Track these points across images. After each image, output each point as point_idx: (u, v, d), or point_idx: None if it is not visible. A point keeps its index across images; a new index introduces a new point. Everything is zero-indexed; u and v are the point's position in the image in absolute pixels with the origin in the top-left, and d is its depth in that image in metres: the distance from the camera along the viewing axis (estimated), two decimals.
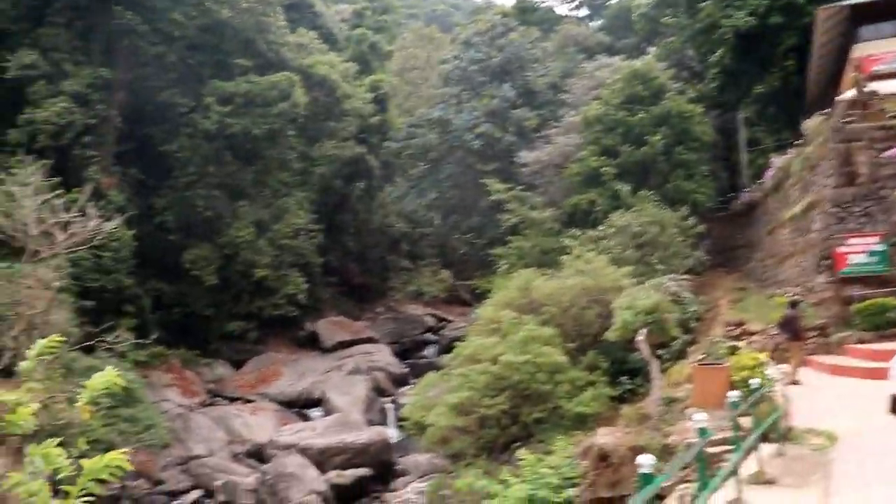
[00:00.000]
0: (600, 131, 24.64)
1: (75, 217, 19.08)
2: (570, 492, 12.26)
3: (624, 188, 22.61)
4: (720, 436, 8.32)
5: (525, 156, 28.01)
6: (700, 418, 6.83)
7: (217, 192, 32.03)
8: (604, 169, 23.70)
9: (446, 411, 17.42)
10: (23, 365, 4.24)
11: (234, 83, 31.59)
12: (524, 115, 32.21)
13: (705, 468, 6.58)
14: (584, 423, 15.86)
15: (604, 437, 12.56)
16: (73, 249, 22.45)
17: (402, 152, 38.16)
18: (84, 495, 2.93)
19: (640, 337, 15.25)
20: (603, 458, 11.94)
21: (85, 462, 4.03)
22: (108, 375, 4.41)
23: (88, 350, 21.65)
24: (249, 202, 33.56)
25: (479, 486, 13.86)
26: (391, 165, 42.89)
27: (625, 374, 17.68)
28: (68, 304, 23.08)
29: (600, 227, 21.76)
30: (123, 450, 4.22)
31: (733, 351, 15.04)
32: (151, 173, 32.23)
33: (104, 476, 3.83)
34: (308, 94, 34.43)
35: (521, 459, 13.49)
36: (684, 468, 7.49)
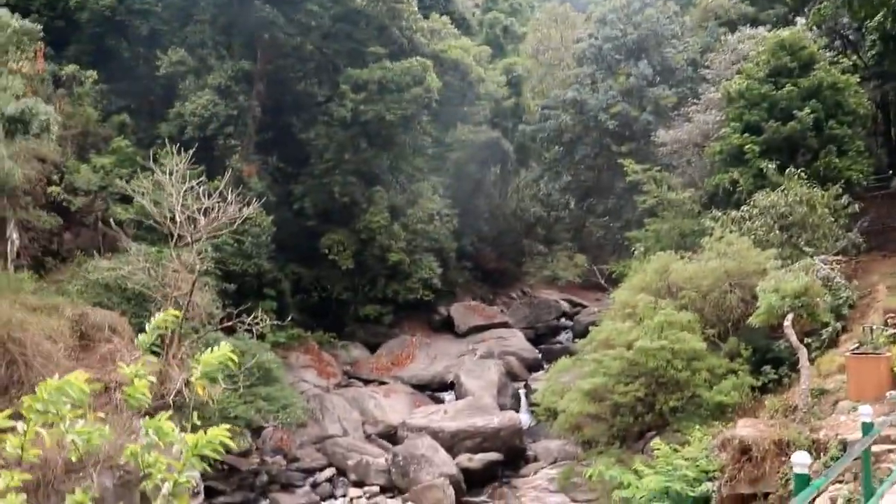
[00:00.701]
0: (743, 107, 23.20)
1: (217, 203, 19.75)
2: (707, 486, 11.56)
3: (769, 166, 21.19)
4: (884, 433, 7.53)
5: (662, 135, 26.86)
6: (866, 411, 6.13)
7: (353, 179, 32.60)
8: (747, 146, 22.30)
9: (579, 397, 16.97)
10: (140, 338, 4.20)
11: (367, 70, 31.99)
12: (661, 94, 30.97)
13: (870, 470, 5.87)
14: (723, 413, 15.03)
15: (745, 428, 11.77)
16: (216, 235, 23.42)
17: (536, 135, 37.60)
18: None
19: (787, 323, 14.24)
20: (744, 451, 11.19)
21: (189, 437, 3.94)
22: (223, 351, 4.33)
23: (230, 331, 22.51)
24: (384, 188, 34.00)
25: (610, 475, 13.36)
26: (526, 149, 42.41)
27: (768, 362, 16.59)
28: (211, 286, 24.12)
29: (743, 208, 20.50)
30: (225, 427, 4.12)
31: (894, 340, 13.82)
32: (290, 161, 33.21)
33: (208, 452, 3.75)
34: (441, 78, 34.43)
35: (655, 449, 12.87)
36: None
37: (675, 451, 12.64)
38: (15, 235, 25.36)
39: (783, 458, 10.62)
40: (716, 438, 12.41)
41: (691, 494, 11.40)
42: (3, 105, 19.35)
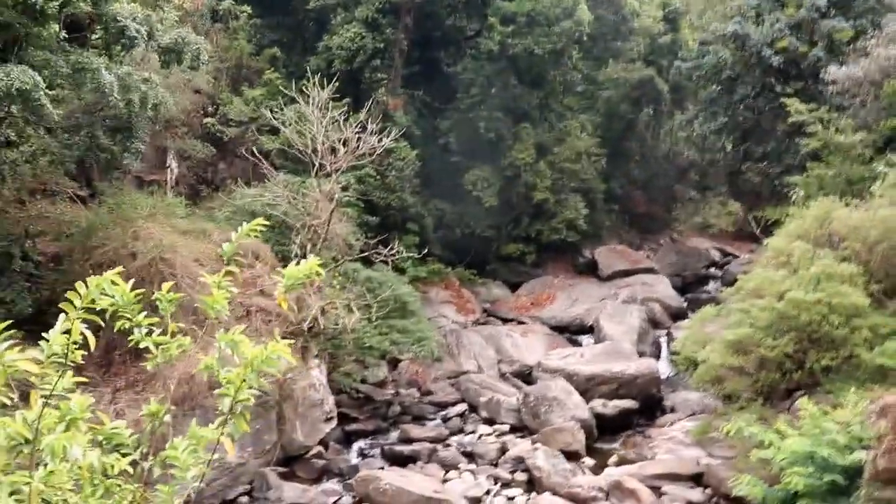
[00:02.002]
0: None
1: (357, 134, 19.78)
2: (860, 455, 10.46)
3: None
4: None
5: (834, 72, 24.43)
6: None
7: (499, 114, 31.99)
8: None
9: (721, 348, 15.98)
10: (225, 247, 3.96)
11: (517, 2, 30.99)
12: (836, 26, 28.13)
13: None
14: (885, 377, 13.66)
15: None
16: (357, 166, 23.60)
17: (692, 73, 35.45)
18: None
19: None
20: None
21: (248, 351, 3.68)
22: (311, 265, 4.03)
23: (369, 262, 22.77)
24: (532, 125, 33.18)
25: (750, 432, 12.46)
26: (681, 89, 40.15)
27: None
28: (353, 218, 24.44)
29: None
30: (286, 342, 3.83)
31: None
32: (437, 96, 32.94)
33: (267, 367, 3.51)
34: (593, 12, 32.95)
35: (802, 409, 11.84)
36: None
37: (825, 413, 11.57)
38: (174, 164, 26.60)
39: None
40: (874, 404, 11.23)
41: (840, 463, 10.38)
42: (160, 36, 20.02)
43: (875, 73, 23.89)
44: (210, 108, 28.23)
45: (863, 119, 24.50)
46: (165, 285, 3.97)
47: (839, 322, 14.66)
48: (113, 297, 3.41)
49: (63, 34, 16.62)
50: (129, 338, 3.68)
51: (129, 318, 3.62)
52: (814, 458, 10.60)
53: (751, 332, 15.51)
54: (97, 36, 18.85)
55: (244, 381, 3.81)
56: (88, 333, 3.25)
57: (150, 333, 3.76)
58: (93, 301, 3.29)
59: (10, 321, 3.13)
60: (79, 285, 3.12)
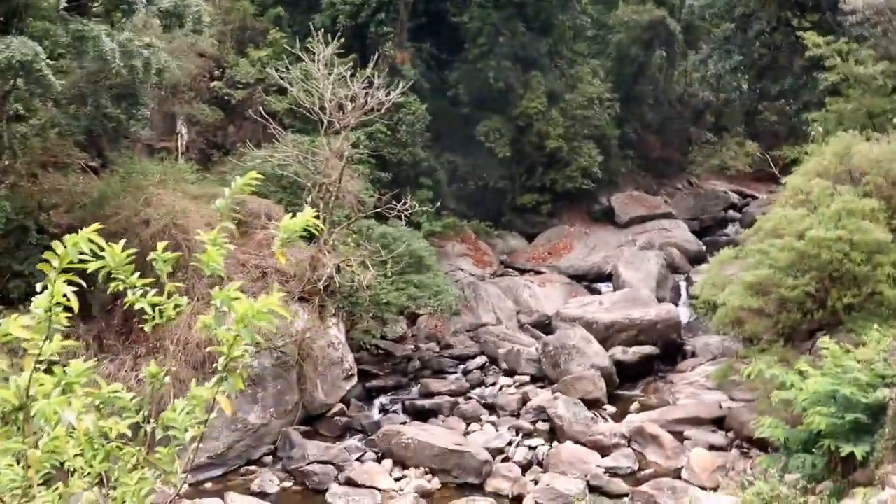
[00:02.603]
0: None
1: (364, 89, 19.49)
2: (884, 393, 10.27)
3: None
4: None
5: (853, 1, 23.79)
6: None
7: (508, 63, 31.46)
8: None
9: (740, 290, 15.77)
10: (218, 203, 3.82)
11: None
12: None
13: None
14: None
15: None
16: (367, 122, 23.35)
17: (705, 12, 34.66)
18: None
19: None
20: None
21: (238, 304, 3.57)
22: (306, 216, 3.88)
23: (383, 219, 22.65)
24: (542, 73, 32.63)
25: (771, 374, 12.32)
26: (694, 29, 39.31)
27: None
28: (365, 175, 24.26)
29: None
30: (280, 296, 3.70)
31: None
32: (444, 47, 32.41)
33: (261, 321, 3.41)
34: None
35: (823, 349, 11.66)
36: None
37: (848, 352, 11.38)
38: (184, 129, 26.48)
39: None
40: None
41: (863, 401, 10.21)
42: (159, 0, 19.75)
43: None
44: (216, 72, 27.95)
45: (884, 49, 23.83)
46: (160, 244, 3.88)
47: (861, 259, 14.41)
48: (104, 258, 3.31)
49: (64, 3, 16.40)
50: (125, 300, 3.58)
51: (122, 280, 3.52)
52: (836, 397, 10.46)
53: (770, 273, 15.29)
54: (98, 3, 18.65)
55: (237, 336, 3.72)
56: (72, 295, 3.14)
57: (145, 295, 3.66)
58: (78, 262, 3.17)
59: (29, 294, 3.08)
60: (56, 244, 3.01)
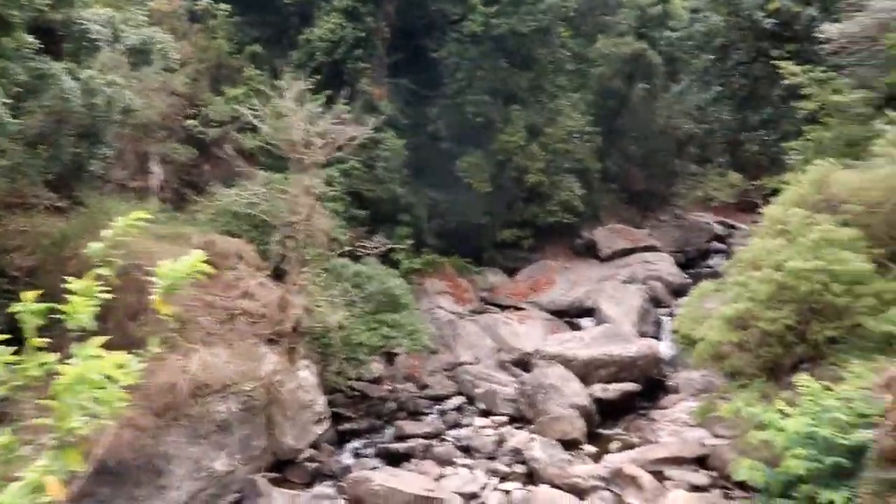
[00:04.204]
0: None
1: (335, 125, 19.12)
2: (864, 434, 9.69)
3: None
4: None
5: (828, 29, 23.58)
6: None
7: (487, 98, 31.29)
8: None
9: (720, 324, 15.23)
10: (91, 247, 3.54)
11: None
12: None
13: None
14: (890, 346, 12.90)
15: None
16: (342, 159, 22.98)
17: (684, 43, 34.60)
18: None
19: None
20: None
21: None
22: (194, 261, 3.56)
23: (360, 257, 22.18)
24: (522, 106, 32.44)
25: (750, 412, 11.75)
26: (675, 61, 39.33)
27: None
28: (341, 212, 23.82)
29: None
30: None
31: None
32: (424, 83, 32.23)
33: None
34: None
35: (801, 386, 11.11)
36: None
37: (827, 389, 10.83)
38: (157, 169, 26.06)
39: None
40: (878, 376, 10.47)
41: (843, 443, 9.63)
42: (125, 37, 19.42)
43: (872, 27, 23.01)
44: (191, 110, 27.64)
45: (861, 77, 23.63)
46: (28, 294, 3.47)
47: (841, 290, 13.90)
48: None
49: (37, 44, 16.03)
50: None
51: None
52: (815, 438, 9.89)
53: (750, 306, 14.77)
54: (62, 42, 18.30)
55: (69, 406, 3.23)
56: None
57: None
58: None
59: None
60: None
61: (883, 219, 15.59)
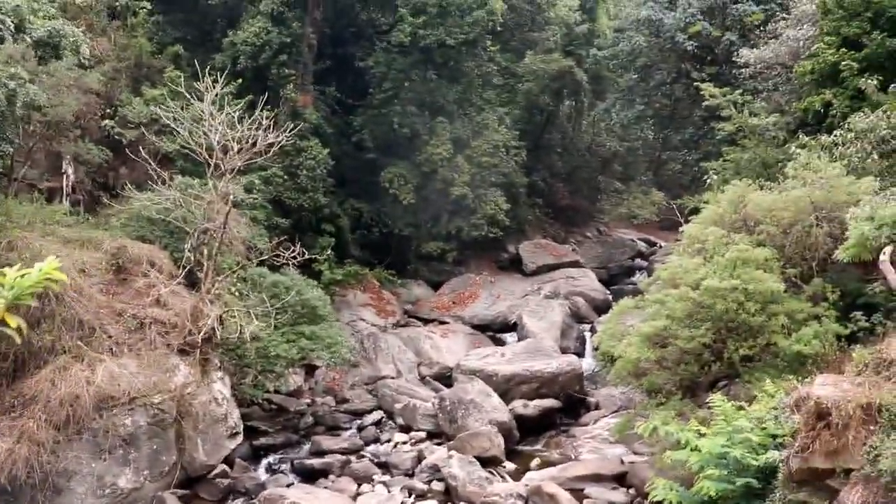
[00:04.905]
0: (841, 18, 20.45)
1: (253, 131, 18.56)
2: (774, 455, 9.75)
3: (870, 83, 18.56)
4: None
5: (745, 55, 24.22)
6: None
7: (413, 109, 31.08)
8: (844, 63, 19.67)
9: (638, 342, 15.29)
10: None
11: None
12: (747, 10, 28.08)
13: None
14: (802, 365, 13.11)
15: (824, 387, 9.71)
16: (264, 166, 22.39)
17: (609, 62, 35.11)
18: None
19: (884, 257, 12.08)
20: (821, 415, 9.21)
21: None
22: (46, 269, 3.21)
23: (279, 267, 21.58)
24: (449, 119, 32.33)
25: (666, 431, 11.76)
26: (601, 79, 39.92)
27: (859, 308, 14.34)
28: (262, 221, 23.22)
29: (836, 133, 18.10)
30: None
31: None
32: (350, 92, 31.89)
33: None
34: (507, 1, 32.29)
35: (714, 406, 11.15)
36: None
37: (739, 409, 10.90)
38: (70, 169, 24.95)
39: (871, 427, 8.75)
40: (788, 396, 10.56)
41: (753, 463, 9.67)
42: (32, 29, 18.55)
43: (785, 55, 23.76)
44: (108, 110, 26.61)
45: (776, 102, 24.36)
46: None
47: (755, 309, 14.11)
48: None
49: None
50: None
51: None
52: (727, 458, 9.92)
53: (668, 324, 14.87)
54: None
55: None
56: None
57: None
58: None
59: None
60: None
61: (795, 239, 15.94)
